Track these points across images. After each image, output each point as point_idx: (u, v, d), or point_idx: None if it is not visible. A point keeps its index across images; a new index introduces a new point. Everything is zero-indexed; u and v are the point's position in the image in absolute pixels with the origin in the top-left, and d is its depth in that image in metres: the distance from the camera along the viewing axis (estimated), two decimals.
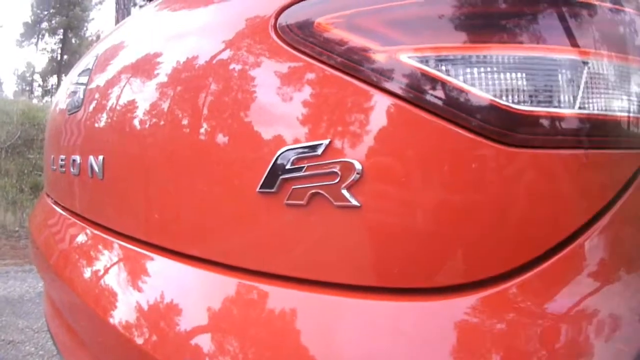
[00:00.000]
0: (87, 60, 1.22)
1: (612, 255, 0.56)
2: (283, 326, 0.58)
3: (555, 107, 0.54)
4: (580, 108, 0.55)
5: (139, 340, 0.66)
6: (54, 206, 1.30)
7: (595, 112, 0.55)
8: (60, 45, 44.21)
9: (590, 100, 0.55)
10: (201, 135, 0.71)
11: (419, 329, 0.53)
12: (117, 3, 8.50)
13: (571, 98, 0.54)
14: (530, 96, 0.54)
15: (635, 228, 0.59)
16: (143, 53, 0.93)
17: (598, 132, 0.56)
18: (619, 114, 0.57)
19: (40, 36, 45.06)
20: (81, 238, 1.01)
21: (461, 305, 0.53)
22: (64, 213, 1.20)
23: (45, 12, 43.04)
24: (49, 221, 1.26)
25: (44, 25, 43.96)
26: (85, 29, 44.28)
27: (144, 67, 0.90)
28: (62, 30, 43.51)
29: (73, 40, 43.60)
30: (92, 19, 44.93)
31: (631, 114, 0.58)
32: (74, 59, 37.28)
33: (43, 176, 1.73)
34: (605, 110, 0.56)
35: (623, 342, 0.55)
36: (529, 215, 0.54)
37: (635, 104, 0.58)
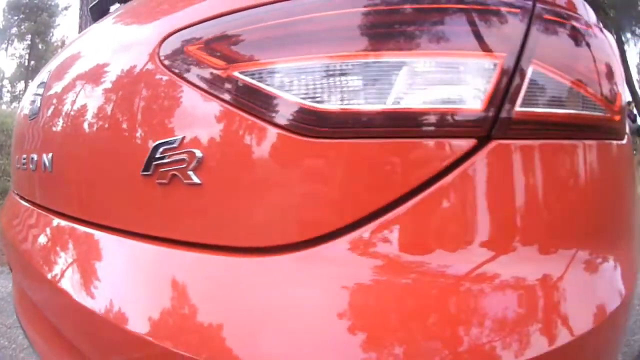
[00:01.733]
0: (43, 74, 1.41)
1: (408, 237, 0.63)
2: (155, 276, 0.76)
3: (352, 105, 0.64)
4: (374, 104, 0.64)
5: (97, 309, 0.78)
6: (19, 200, 1.45)
7: (391, 107, 0.63)
8: (28, 51, 43.52)
9: (388, 97, 0.64)
10: (109, 134, 0.90)
11: (246, 278, 0.66)
12: (81, 9, 8.24)
13: (368, 96, 0.64)
14: (330, 97, 0.64)
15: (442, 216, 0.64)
16: (78, 69, 1.13)
17: (393, 124, 0.64)
18: (414, 107, 0.64)
19: (9, 42, 44.19)
20: (41, 224, 1.18)
21: (279, 262, 0.65)
22: (26, 204, 1.36)
23: (16, 18, 42.38)
24: (15, 214, 1.42)
25: (14, 30, 43.13)
26: (51, 34, 43.73)
27: (76, 81, 1.10)
28: (30, 36, 42.76)
29: (40, 46, 42.78)
30: (58, 24, 44.11)
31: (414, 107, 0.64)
32: (40, 64, 36.28)
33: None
34: (400, 104, 0.64)
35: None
36: (331, 193, 0.65)
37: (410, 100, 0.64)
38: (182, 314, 0.68)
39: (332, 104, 0.65)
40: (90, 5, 1.68)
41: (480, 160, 0.64)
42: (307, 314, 0.61)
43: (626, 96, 1.76)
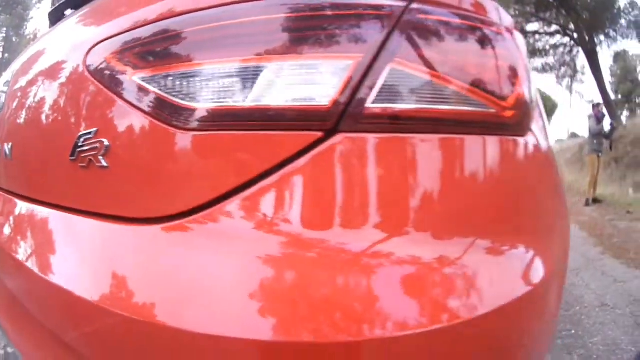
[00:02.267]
0: (8, 73, 1.57)
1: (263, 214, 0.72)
2: (79, 242, 0.93)
3: (222, 103, 0.75)
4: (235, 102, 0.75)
5: (56, 280, 0.88)
6: None
7: (251, 104, 0.74)
8: (3, 44, 43.47)
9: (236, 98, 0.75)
10: (50, 126, 1.08)
11: (141, 243, 0.80)
12: (53, 4, 8.52)
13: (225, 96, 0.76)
14: (203, 96, 0.77)
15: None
16: (32, 70, 1.28)
17: (252, 119, 0.74)
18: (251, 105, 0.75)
19: None
20: (4, 205, 1.34)
21: (166, 228, 0.77)
22: None
23: None
24: None
25: None
26: (25, 27, 43.82)
27: (30, 81, 1.27)
28: (5, 29, 42.84)
29: (14, 39, 42.91)
30: (32, 17, 44.46)
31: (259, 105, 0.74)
32: (13, 57, 36.49)
33: None
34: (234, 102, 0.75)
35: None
36: (201, 173, 0.77)
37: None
38: (95, 270, 0.83)
39: (206, 103, 0.77)
40: (49, 11, 1.83)
41: (326, 150, 0.73)
42: (184, 270, 0.73)
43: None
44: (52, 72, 1.14)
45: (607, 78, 55.38)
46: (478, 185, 0.81)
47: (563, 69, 30.00)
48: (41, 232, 1.07)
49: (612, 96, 52.83)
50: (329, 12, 0.77)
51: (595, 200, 11.47)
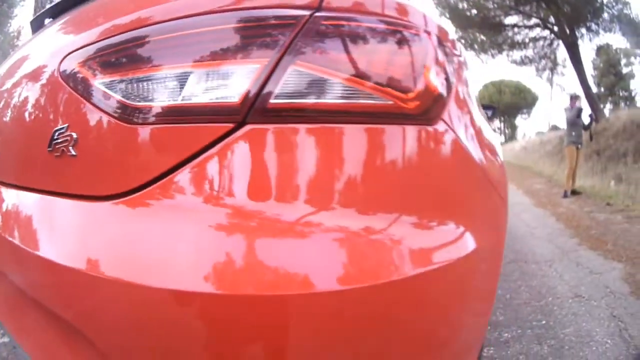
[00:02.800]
0: None
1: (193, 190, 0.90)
2: (54, 217, 1.10)
3: (158, 102, 0.95)
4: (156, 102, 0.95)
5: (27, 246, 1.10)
6: None
7: (180, 103, 0.93)
8: None
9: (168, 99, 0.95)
10: (33, 123, 1.25)
11: (100, 215, 0.97)
12: (36, 1, 8.63)
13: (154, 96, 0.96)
14: (139, 97, 0.96)
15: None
16: (16, 74, 1.46)
17: (180, 114, 0.94)
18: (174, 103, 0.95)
19: None
20: None
21: (120, 203, 0.95)
22: None
23: None
24: None
25: None
26: (9, 25, 43.27)
27: (14, 83, 1.44)
28: None
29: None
30: (16, 15, 44.21)
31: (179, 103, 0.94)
32: None
33: None
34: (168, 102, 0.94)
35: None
36: (143, 159, 0.96)
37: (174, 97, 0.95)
38: (68, 240, 1.01)
39: (148, 103, 0.96)
40: (31, 20, 1.99)
41: (238, 139, 0.90)
42: (134, 235, 0.91)
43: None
44: (33, 76, 1.33)
45: (590, 71, 55.87)
46: (384, 168, 0.94)
47: (543, 62, 30.10)
48: (24, 212, 1.24)
49: (595, 89, 53.61)
50: (242, 24, 0.95)
51: (575, 192, 11.54)
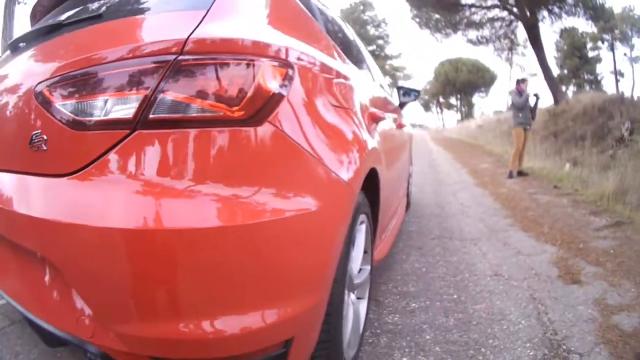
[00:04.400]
0: None
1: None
2: (30, 189, 1.80)
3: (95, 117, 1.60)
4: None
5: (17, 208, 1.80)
6: None
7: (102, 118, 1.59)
8: None
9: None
10: (17, 127, 1.89)
11: (60, 186, 1.63)
12: (5, 9, 9.72)
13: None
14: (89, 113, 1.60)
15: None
16: (3, 85, 2.10)
17: (101, 126, 1.59)
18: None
19: None
20: None
21: (71, 180, 1.61)
22: None
23: None
24: None
25: None
26: None
27: (2, 92, 2.07)
28: None
29: None
30: None
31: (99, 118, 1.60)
32: None
33: None
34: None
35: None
36: (81, 151, 1.60)
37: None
38: (42, 200, 1.72)
39: (86, 117, 1.60)
40: (9, 42, 2.58)
41: (131, 141, 1.54)
42: (84, 204, 1.56)
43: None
44: (16, 94, 1.94)
45: (552, 53, 56.74)
46: (230, 156, 1.60)
47: (501, 42, 30.77)
48: (11, 186, 1.94)
49: (558, 71, 54.49)
50: (133, 68, 1.58)
51: (522, 173, 11.83)
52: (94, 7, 2.15)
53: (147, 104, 1.53)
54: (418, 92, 5.56)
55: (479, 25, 28.94)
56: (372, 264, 3.03)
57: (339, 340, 2.16)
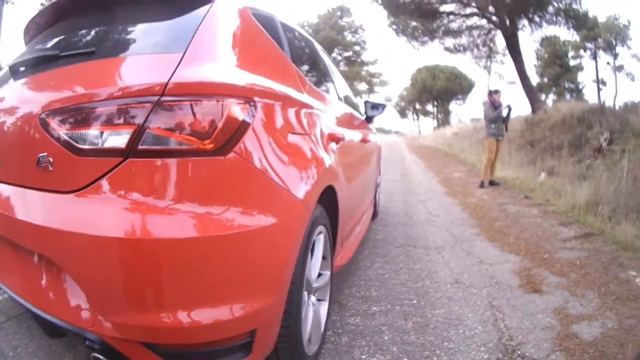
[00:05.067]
0: None
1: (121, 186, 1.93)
2: (37, 201, 2.17)
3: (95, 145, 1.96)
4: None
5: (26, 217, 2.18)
6: None
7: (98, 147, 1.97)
8: None
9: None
10: (24, 147, 2.23)
11: (67, 201, 2.00)
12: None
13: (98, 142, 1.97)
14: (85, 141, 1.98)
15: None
16: (9, 108, 2.43)
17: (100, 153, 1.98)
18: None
19: None
20: None
21: (79, 196, 1.98)
22: None
23: None
24: None
25: None
26: None
27: (8, 113, 2.40)
28: None
29: None
30: None
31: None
32: None
33: None
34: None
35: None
36: (82, 173, 1.99)
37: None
38: (49, 212, 2.08)
39: (85, 145, 1.97)
40: (11, 64, 2.75)
41: (124, 167, 1.91)
42: (84, 215, 1.94)
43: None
44: (24, 116, 2.26)
45: (533, 61, 56.74)
46: (202, 180, 1.99)
47: (479, 50, 30.85)
48: (21, 199, 2.27)
49: (538, 79, 54.42)
50: (124, 105, 1.94)
51: (493, 183, 12.09)
52: (85, 40, 2.61)
53: (136, 137, 1.90)
54: (384, 106, 5.96)
55: (456, 34, 29.13)
56: (332, 270, 3.38)
57: (299, 335, 2.55)
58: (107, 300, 1.92)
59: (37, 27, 3.14)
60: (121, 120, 1.94)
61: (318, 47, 4.75)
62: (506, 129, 12.34)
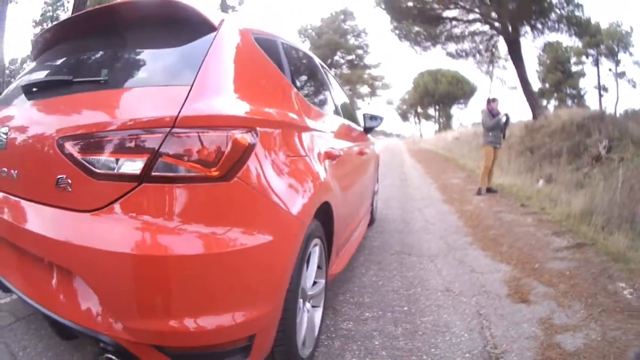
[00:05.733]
0: (4, 128, 2.82)
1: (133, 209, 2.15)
2: (55, 217, 2.38)
3: (112, 170, 2.18)
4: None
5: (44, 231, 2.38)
6: None
7: (115, 172, 2.18)
8: None
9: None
10: (43, 168, 2.43)
11: (86, 220, 2.21)
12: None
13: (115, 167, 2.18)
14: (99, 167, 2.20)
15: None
16: (28, 129, 2.65)
17: (116, 177, 2.20)
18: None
19: None
20: (15, 204, 2.71)
21: (97, 215, 2.19)
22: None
23: None
24: None
25: None
26: None
27: (27, 138, 2.62)
28: None
29: None
30: None
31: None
32: None
33: None
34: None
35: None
36: (98, 194, 2.21)
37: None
38: (69, 229, 2.28)
39: (102, 170, 2.18)
40: (26, 83, 2.86)
41: (139, 191, 2.14)
42: (106, 231, 2.15)
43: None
44: (41, 138, 2.46)
45: (535, 66, 56.35)
46: (209, 203, 2.22)
47: (481, 55, 30.91)
48: (39, 215, 2.48)
49: (539, 85, 54.00)
50: (138, 136, 2.16)
51: (490, 190, 12.20)
52: (95, 67, 2.86)
53: (150, 164, 2.12)
54: (382, 117, 6.18)
55: (459, 39, 29.26)
56: (326, 278, 3.62)
57: (294, 339, 2.77)
58: (121, 308, 2.13)
59: (46, 43, 3.34)
60: (136, 149, 2.15)
61: (318, 62, 5.00)
62: (504, 137, 12.43)
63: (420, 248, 6.54)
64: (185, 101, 2.21)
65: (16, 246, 2.67)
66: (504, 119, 12.05)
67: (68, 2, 26.48)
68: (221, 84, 2.51)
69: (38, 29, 29.05)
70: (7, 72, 23.70)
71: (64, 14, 27.56)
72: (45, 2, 28.87)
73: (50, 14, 28.47)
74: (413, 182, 15.23)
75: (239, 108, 2.48)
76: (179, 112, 2.17)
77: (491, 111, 12.12)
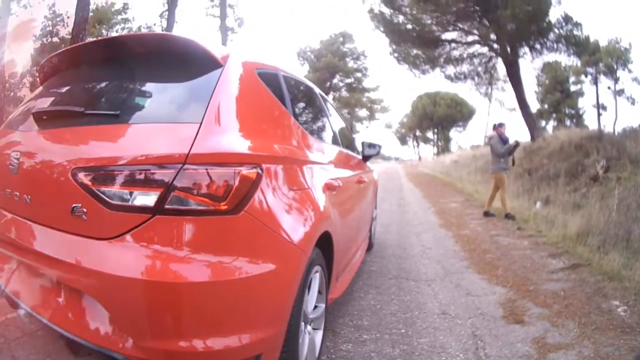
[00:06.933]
0: (16, 152, 2.95)
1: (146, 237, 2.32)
2: (72, 244, 2.50)
3: (124, 202, 2.34)
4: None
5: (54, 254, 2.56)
6: (3, 211, 3.16)
7: (130, 204, 2.34)
8: None
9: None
10: (57, 196, 2.59)
11: (102, 247, 2.37)
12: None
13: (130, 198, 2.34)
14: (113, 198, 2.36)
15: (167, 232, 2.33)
16: (41, 156, 2.82)
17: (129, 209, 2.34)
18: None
19: None
20: (27, 229, 2.84)
21: (112, 243, 2.34)
22: (9, 215, 3.06)
23: None
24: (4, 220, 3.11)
25: None
26: None
27: (40, 164, 2.80)
28: None
29: None
30: None
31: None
32: None
33: None
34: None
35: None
36: (114, 223, 2.37)
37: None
38: (87, 256, 2.42)
39: (117, 202, 2.34)
40: (35, 111, 3.01)
41: (152, 222, 2.30)
42: (120, 258, 2.31)
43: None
44: (54, 166, 2.63)
45: (533, 87, 56.18)
46: (218, 234, 2.40)
47: (479, 78, 30.94)
48: (51, 240, 2.61)
49: (538, 105, 54.01)
50: (152, 171, 2.32)
51: (488, 214, 12.38)
52: (106, 99, 3.08)
53: (163, 197, 2.28)
54: (380, 146, 6.39)
55: (458, 62, 29.37)
56: (326, 302, 3.79)
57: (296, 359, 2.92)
58: (135, 328, 2.29)
59: (53, 68, 3.55)
60: (151, 183, 2.30)
61: (317, 91, 5.20)
62: (513, 164, 12.58)
63: (417, 272, 6.75)
64: (195, 139, 2.38)
65: (30, 267, 2.85)
66: (514, 144, 12.04)
67: (68, 17, 26.61)
68: (228, 121, 2.69)
69: (38, 44, 29.10)
70: (7, 85, 23.80)
71: (64, 29, 27.77)
72: (45, 17, 28.99)
73: (50, 28, 28.61)
74: (411, 207, 15.32)
75: (245, 145, 2.67)
76: (190, 149, 2.33)
77: (501, 136, 12.17)
